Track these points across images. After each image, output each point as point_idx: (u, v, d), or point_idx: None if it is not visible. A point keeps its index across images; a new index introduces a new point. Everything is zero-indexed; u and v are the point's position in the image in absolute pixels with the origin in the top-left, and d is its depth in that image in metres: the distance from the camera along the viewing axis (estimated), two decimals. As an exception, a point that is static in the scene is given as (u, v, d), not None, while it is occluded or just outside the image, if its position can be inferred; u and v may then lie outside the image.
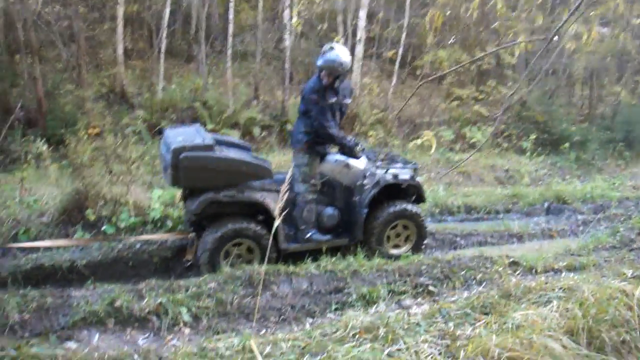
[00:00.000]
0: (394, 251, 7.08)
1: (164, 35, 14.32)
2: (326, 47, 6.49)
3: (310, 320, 5.39)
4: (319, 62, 6.44)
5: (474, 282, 6.17)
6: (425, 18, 17.60)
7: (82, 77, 14.71)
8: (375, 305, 5.51)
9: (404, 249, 7.17)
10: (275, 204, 5.74)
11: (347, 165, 6.81)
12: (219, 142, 6.49)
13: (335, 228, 6.96)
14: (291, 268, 5.92)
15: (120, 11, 14.82)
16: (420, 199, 7.33)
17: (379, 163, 7.04)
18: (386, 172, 6.91)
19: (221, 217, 6.29)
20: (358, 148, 6.75)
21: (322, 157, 6.79)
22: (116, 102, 14.84)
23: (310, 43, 18.32)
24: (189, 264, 6.59)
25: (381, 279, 5.98)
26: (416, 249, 7.21)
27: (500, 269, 6.36)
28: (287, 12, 13.85)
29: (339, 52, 6.40)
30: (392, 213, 6.92)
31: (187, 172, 5.98)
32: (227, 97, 13.88)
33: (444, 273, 6.22)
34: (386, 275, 6.04)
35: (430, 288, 5.95)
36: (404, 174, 7.00)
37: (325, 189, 7.00)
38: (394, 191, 7.04)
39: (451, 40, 17.46)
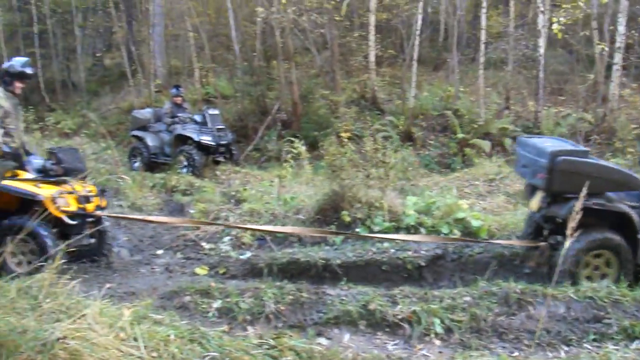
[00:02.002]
0: None
1: (416, 42, 14.46)
2: None
3: (566, 348, 5.07)
4: None
5: None
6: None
7: (336, 83, 15.31)
8: (637, 341, 5.08)
9: None
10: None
11: None
12: None
13: None
14: (549, 290, 5.71)
15: (372, 19, 15.21)
16: None
17: None
18: None
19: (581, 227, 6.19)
20: None
21: None
22: (366, 108, 15.25)
23: (563, 51, 17.62)
24: (530, 271, 6.54)
25: (645, 312, 5.57)
26: None
27: None
28: (541, 18, 13.41)
29: None
30: None
31: (563, 175, 5.96)
32: (478, 106, 13.72)
33: None
34: (651, 309, 5.61)
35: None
36: None
37: None
38: None
39: None
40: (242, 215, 8.72)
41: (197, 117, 13.06)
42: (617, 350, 4.58)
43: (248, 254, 7.60)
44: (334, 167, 8.28)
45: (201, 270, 7.20)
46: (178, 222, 8.09)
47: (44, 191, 6.65)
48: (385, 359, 4.54)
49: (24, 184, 6.79)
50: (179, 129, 12.89)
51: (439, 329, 5.22)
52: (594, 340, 5.16)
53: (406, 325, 5.30)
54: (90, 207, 7.09)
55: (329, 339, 5.16)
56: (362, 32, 16.94)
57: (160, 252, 7.87)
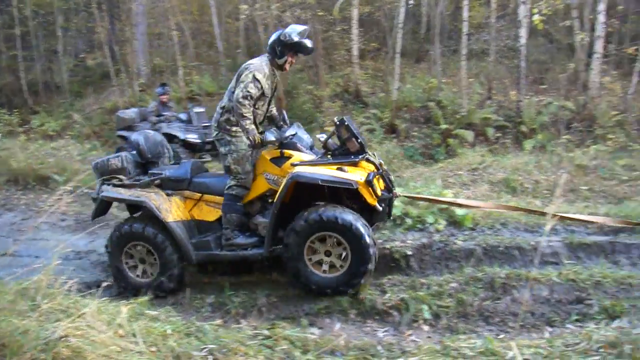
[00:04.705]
0: None
1: (399, 35, 14.56)
2: None
3: (549, 329, 5.26)
4: None
5: None
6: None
7: (320, 77, 15.39)
8: (617, 320, 5.22)
9: None
10: None
11: None
12: None
13: None
14: (532, 274, 5.87)
15: (355, 13, 15.29)
16: None
17: None
18: None
19: None
20: None
21: None
22: (350, 102, 15.37)
23: (545, 40, 17.76)
24: None
25: (625, 292, 5.71)
26: None
27: None
28: (522, 8, 13.52)
29: None
30: None
31: None
32: (460, 97, 13.85)
33: (694, 291, 5.80)
34: (630, 289, 5.75)
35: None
36: None
37: None
38: None
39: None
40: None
41: (183, 116, 13.10)
42: (598, 329, 4.69)
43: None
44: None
45: (192, 267, 7.15)
46: (487, 207, 7.56)
47: (356, 176, 5.62)
48: (375, 345, 4.69)
49: (326, 168, 5.72)
50: (164, 128, 12.85)
51: (427, 315, 5.44)
52: (577, 320, 5.36)
53: (395, 313, 5.54)
54: (383, 186, 6.08)
55: (320, 328, 5.34)
56: (344, 26, 16.99)
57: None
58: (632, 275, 6.00)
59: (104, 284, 4.94)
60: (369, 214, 5.85)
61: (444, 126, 13.13)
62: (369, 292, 5.73)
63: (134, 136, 7.02)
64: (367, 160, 5.93)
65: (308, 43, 5.99)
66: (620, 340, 4.25)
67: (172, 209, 6.25)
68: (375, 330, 5.34)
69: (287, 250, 5.75)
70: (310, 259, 5.77)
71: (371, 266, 5.58)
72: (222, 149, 6.19)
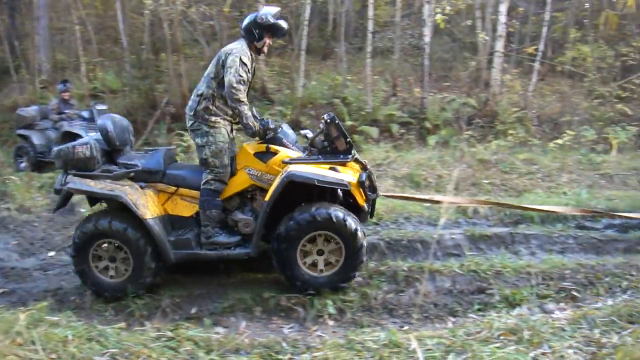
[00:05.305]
0: None
1: (305, 32, 14.57)
2: None
3: (452, 319, 5.34)
4: None
5: (619, 289, 5.86)
6: (565, 11, 17.17)
7: (226, 74, 15.20)
8: (518, 308, 5.39)
9: None
10: None
11: None
12: None
13: None
14: (435, 266, 5.95)
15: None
16: None
17: None
18: None
19: None
20: None
21: None
22: (256, 98, 15.26)
23: (448, 39, 18.15)
24: None
25: (524, 281, 5.88)
26: None
27: (648, 278, 6.07)
28: (426, 8, 13.77)
29: None
30: None
31: None
32: (365, 94, 13.98)
33: (588, 279, 6.00)
34: (529, 278, 5.93)
35: (574, 293, 5.78)
36: None
37: None
38: None
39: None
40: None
41: (85, 113, 12.66)
42: (499, 317, 4.82)
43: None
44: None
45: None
46: (466, 203, 7.51)
47: (348, 176, 5.51)
48: (280, 342, 4.63)
49: (319, 168, 5.53)
50: (66, 126, 12.40)
51: (331, 310, 5.42)
52: (479, 309, 5.46)
53: (300, 309, 5.50)
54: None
55: (225, 327, 5.25)
56: (250, 23, 16.81)
57: (52, 253, 7.49)
58: (530, 264, 6.22)
59: (1, 290, 4.70)
60: (353, 214, 5.66)
61: (349, 123, 13.22)
62: (274, 289, 5.70)
63: (100, 121, 6.07)
64: (356, 160, 5.81)
65: (283, 24, 5.82)
66: (520, 327, 4.37)
67: (148, 204, 5.71)
68: (281, 327, 5.29)
69: (280, 259, 5.62)
70: (304, 262, 5.66)
71: (365, 242, 5.55)
72: (198, 140, 5.80)
